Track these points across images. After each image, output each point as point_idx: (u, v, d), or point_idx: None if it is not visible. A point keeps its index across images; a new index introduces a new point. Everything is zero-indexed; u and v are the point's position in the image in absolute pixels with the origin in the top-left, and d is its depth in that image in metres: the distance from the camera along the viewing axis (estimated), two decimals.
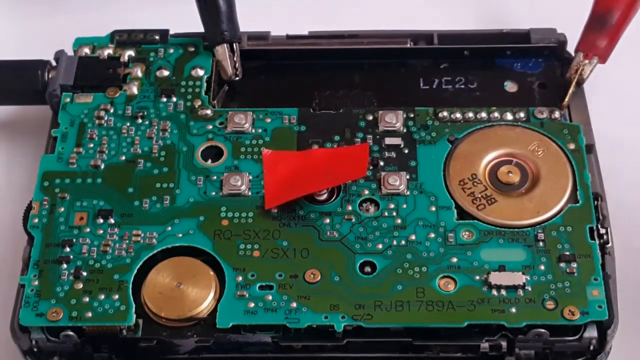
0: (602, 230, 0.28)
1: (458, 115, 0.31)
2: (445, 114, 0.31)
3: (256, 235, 0.28)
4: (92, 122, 0.31)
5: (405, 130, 0.31)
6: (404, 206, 0.29)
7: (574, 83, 0.32)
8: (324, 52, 0.34)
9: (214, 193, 0.29)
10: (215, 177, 0.30)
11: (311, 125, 0.31)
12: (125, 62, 0.33)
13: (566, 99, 0.32)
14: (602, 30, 0.32)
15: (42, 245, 0.28)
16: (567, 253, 0.27)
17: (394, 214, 0.29)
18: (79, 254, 0.28)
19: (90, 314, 0.27)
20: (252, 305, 0.27)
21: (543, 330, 0.26)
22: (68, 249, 0.28)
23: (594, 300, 0.26)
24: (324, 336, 0.27)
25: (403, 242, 0.28)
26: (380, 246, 0.28)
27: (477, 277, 0.27)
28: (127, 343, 0.27)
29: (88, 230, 0.28)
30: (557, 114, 0.31)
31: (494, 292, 0.27)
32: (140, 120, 0.31)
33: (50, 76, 0.33)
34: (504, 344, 0.27)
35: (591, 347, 0.27)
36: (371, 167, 0.30)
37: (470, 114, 0.31)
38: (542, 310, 0.26)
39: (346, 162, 0.29)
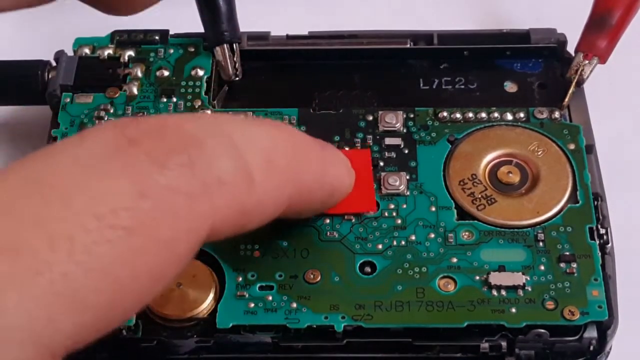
0: (602, 231, 0.28)
1: (458, 115, 0.31)
2: (445, 114, 0.31)
3: (256, 235, 0.28)
4: (92, 123, 0.31)
5: (405, 131, 0.31)
6: (404, 206, 0.29)
7: (574, 83, 0.32)
8: (324, 53, 0.34)
9: None
10: None
11: (311, 125, 0.31)
12: (125, 62, 0.33)
13: (566, 99, 0.32)
14: (602, 31, 0.32)
15: None
16: (567, 253, 0.27)
17: (394, 214, 0.29)
18: None
19: None
20: (252, 305, 0.27)
21: (543, 330, 0.26)
22: None
23: (594, 301, 0.26)
24: (324, 336, 0.27)
25: (403, 243, 0.28)
26: (380, 246, 0.28)
27: (477, 278, 0.27)
28: (127, 343, 0.27)
29: None
30: (557, 114, 0.31)
31: (494, 292, 0.27)
32: None
33: (50, 76, 0.33)
34: (504, 344, 0.27)
35: (591, 348, 0.27)
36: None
37: (470, 114, 0.31)
38: (542, 311, 0.26)
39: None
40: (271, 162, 0.21)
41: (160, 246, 0.17)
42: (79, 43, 0.33)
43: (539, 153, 0.30)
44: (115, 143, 0.18)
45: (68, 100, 0.32)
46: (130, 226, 0.17)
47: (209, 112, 0.31)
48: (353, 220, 0.28)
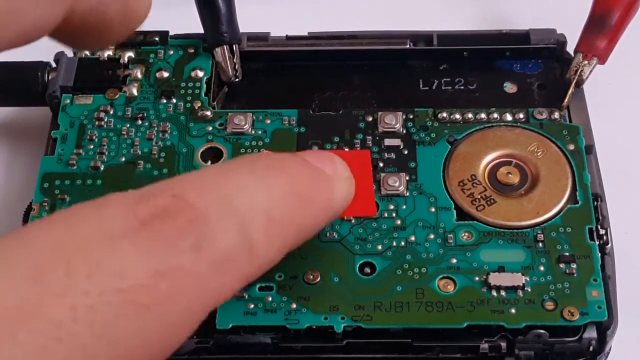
0: (602, 231, 0.28)
1: (457, 116, 0.31)
2: (444, 115, 0.31)
3: None
4: (91, 124, 0.31)
5: (404, 132, 0.31)
6: (404, 207, 0.29)
7: (573, 84, 0.32)
8: (323, 53, 0.34)
9: None
10: None
11: (311, 126, 0.31)
12: (125, 63, 0.33)
13: (566, 100, 0.32)
14: (601, 31, 0.32)
15: None
16: (567, 254, 0.27)
17: (394, 215, 0.29)
18: None
19: None
20: (251, 306, 0.27)
21: (542, 331, 0.26)
22: None
23: (593, 301, 0.26)
24: (323, 337, 0.27)
25: (402, 243, 0.28)
26: (379, 247, 0.28)
27: (477, 278, 0.27)
28: None
29: None
30: (556, 115, 0.31)
31: (494, 292, 0.27)
32: (140, 122, 0.31)
33: (50, 77, 0.33)
34: (503, 344, 0.27)
35: (591, 348, 0.27)
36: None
37: (470, 115, 0.31)
38: (542, 311, 0.26)
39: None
40: (271, 220, 0.21)
41: (174, 321, 0.18)
42: None
43: (539, 154, 0.30)
44: (128, 224, 0.18)
45: (68, 101, 0.32)
46: (147, 303, 0.17)
47: (208, 113, 0.31)
48: (353, 221, 0.28)
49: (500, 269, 0.27)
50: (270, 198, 0.21)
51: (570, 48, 0.33)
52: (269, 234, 0.21)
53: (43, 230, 0.17)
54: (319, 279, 0.27)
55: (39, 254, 0.17)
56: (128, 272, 0.17)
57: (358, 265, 0.28)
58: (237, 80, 0.33)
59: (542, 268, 0.27)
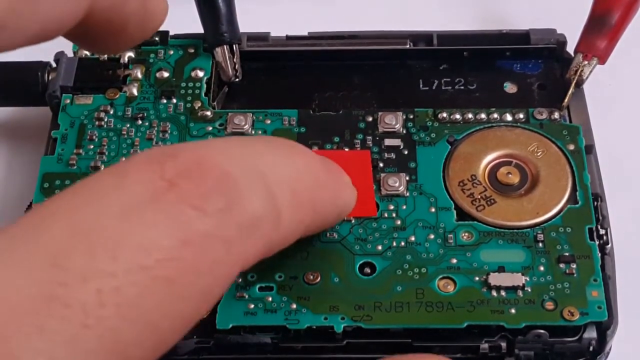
0: (602, 231, 0.28)
1: (457, 116, 0.31)
2: (444, 115, 0.31)
3: None
4: (92, 124, 0.31)
5: (404, 132, 0.31)
6: (404, 207, 0.29)
7: (573, 84, 0.32)
8: (323, 53, 0.34)
9: None
10: None
11: (311, 126, 0.31)
12: (125, 63, 0.33)
13: (566, 100, 0.32)
14: (601, 31, 0.32)
15: None
16: (567, 254, 0.27)
17: (394, 215, 0.29)
18: None
19: None
20: (251, 306, 0.27)
21: (542, 331, 0.26)
22: None
23: (593, 301, 0.26)
24: (323, 337, 0.27)
25: (403, 244, 0.28)
26: (379, 247, 0.28)
27: (477, 278, 0.27)
28: None
29: None
30: (556, 115, 0.31)
31: (494, 293, 0.27)
32: (140, 122, 0.31)
33: (50, 77, 0.33)
34: (503, 344, 0.27)
35: (591, 348, 0.27)
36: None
37: (470, 115, 0.31)
38: (542, 311, 0.26)
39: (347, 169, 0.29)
40: (295, 194, 0.20)
41: (200, 293, 0.18)
42: None
43: (539, 154, 0.30)
44: (154, 186, 0.17)
45: (68, 101, 0.32)
46: (173, 276, 0.17)
47: (208, 113, 0.31)
48: (353, 222, 0.28)
49: (500, 269, 0.27)
50: (294, 172, 0.21)
51: (570, 48, 0.33)
52: (294, 206, 0.20)
53: (60, 211, 0.17)
54: (319, 279, 0.27)
55: (58, 237, 0.16)
56: (153, 246, 0.17)
57: (358, 266, 0.28)
58: (237, 80, 0.33)
59: (542, 268, 0.27)
